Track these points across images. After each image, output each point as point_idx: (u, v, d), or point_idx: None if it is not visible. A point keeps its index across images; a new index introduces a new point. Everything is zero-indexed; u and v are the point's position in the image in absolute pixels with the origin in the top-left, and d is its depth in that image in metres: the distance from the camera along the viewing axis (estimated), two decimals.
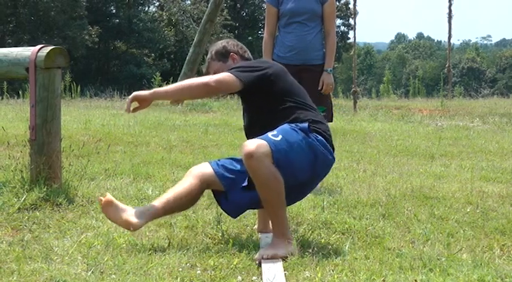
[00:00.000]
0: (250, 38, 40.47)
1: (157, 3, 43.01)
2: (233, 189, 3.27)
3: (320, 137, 3.23)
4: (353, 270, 2.84)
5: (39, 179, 4.05)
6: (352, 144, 7.65)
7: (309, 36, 4.95)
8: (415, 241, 3.40)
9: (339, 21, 42.51)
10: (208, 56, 3.58)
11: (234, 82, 3.25)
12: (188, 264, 2.90)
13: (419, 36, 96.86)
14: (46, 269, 2.74)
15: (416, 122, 11.21)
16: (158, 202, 3.28)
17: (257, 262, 2.95)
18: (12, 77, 4.38)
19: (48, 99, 4.09)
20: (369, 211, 4.07)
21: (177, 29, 39.26)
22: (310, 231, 3.52)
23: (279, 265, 2.89)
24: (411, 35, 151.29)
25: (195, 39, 16.45)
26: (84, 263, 2.87)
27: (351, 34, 34.67)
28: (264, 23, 5.95)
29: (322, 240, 3.38)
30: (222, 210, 3.42)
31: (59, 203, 3.95)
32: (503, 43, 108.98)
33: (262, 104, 3.31)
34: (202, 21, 16.28)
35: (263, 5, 38.92)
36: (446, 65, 16.77)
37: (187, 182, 3.29)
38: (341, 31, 43.56)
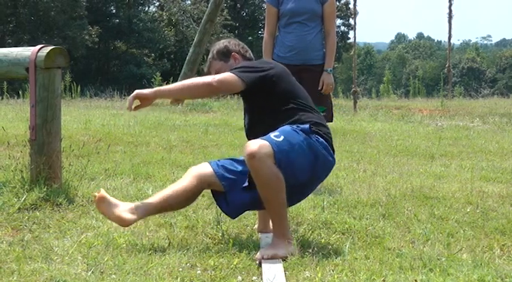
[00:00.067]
0: (250, 38, 40.48)
1: (157, 3, 43.02)
2: (233, 190, 3.27)
3: (321, 139, 3.23)
4: (353, 270, 2.84)
5: (39, 179, 4.05)
6: (352, 144, 7.65)
7: (309, 36, 4.95)
8: (415, 241, 3.40)
9: (339, 21, 42.52)
10: (210, 55, 3.58)
11: (236, 82, 3.26)
12: (188, 264, 2.90)
13: (420, 36, 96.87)
14: (46, 269, 2.75)
15: (416, 122, 11.21)
16: (153, 199, 3.29)
17: (257, 262, 2.95)
18: (12, 77, 4.39)
19: (48, 99, 4.09)
20: (369, 211, 4.07)
21: (177, 29, 39.26)
22: (310, 231, 3.52)
23: (279, 265, 2.89)
24: (411, 35, 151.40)
25: (195, 39, 16.45)
26: (84, 263, 2.87)
27: (351, 34, 34.74)
28: (264, 23, 5.95)
29: (322, 240, 3.38)
30: (221, 211, 3.42)
31: (59, 203, 3.95)
32: (503, 43, 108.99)
33: (264, 104, 3.32)
34: (203, 21, 16.28)
35: (263, 5, 38.93)
36: (446, 65, 16.77)
37: (184, 181, 3.29)
38: (341, 31, 43.57)
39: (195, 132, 8.38)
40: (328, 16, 4.99)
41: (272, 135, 3.13)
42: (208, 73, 3.55)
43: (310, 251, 3.06)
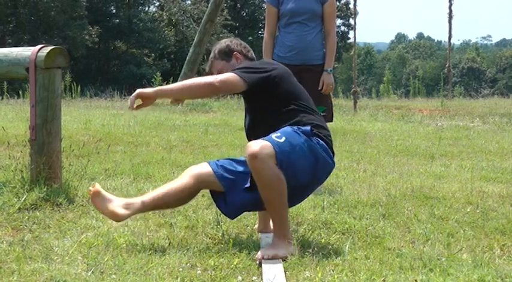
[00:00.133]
0: (250, 38, 40.45)
1: (158, 3, 43.02)
2: (232, 190, 3.27)
3: (322, 142, 3.23)
4: (353, 270, 2.84)
5: (39, 179, 4.05)
6: (352, 144, 7.65)
7: (309, 36, 4.95)
8: (415, 241, 3.40)
9: (339, 21, 42.51)
10: (212, 55, 3.58)
11: (238, 82, 3.25)
12: (188, 264, 2.90)
13: (420, 36, 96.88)
14: (46, 269, 2.75)
15: (416, 122, 11.21)
16: (148, 196, 3.30)
17: (257, 262, 2.95)
18: (12, 77, 4.38)
19: (48, 99, 4.09)
20: (369, 211, 4.07)
21: (177, 29, 39.26)
22: (310, 231, 3.52)
23: (279, 265, 2.89)
24: (411, 35, 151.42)
25: (195, 39, 16.46)
26: (84, 263, 2.87)
27: (351, 34, 34.73)
28: (264, 23, 5.95)
29: (322, 240, 3.38)
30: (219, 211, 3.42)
31: (59, 203, 3.95)
32: (503, 43, 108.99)
33: (266, 105, 3.31)
34: (203, 21, 16.29)
35: (263, 5, 38.93)
36: (447, 65, 16.77)
37: (182, 180, 3.30)
38: (341, 31, 43.56)
39: (195, 132, 8.38)
40: (328, 16, 4.99)
41: (273, 136, 3.13)
42: (210, 73, 3.55)
43: (310, 251, 3.06)
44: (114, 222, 3.58)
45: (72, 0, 34.59)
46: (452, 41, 17.65)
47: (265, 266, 2.87)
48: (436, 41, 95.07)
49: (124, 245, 3.17)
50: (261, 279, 2.76)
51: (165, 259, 2.94)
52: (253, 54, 3.60)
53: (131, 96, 3.25)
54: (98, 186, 3.26)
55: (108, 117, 9.99)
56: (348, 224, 3.69)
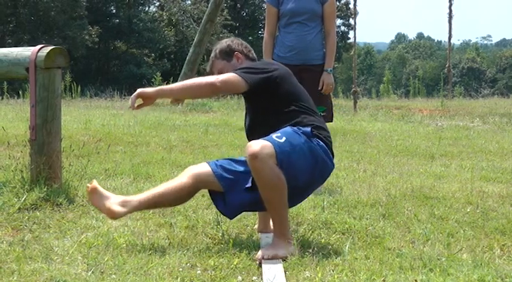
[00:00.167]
0: (250, 38, 40.45)
1: (158, 3, 43.02)
2: (232, 190, 3.26)
3: (322, 143, 3.23)
4: (353, 270, 2.84)
5: (39, 179, 4.05)
6: (352, 144, 7.65)
7: (309, 36, 4.95)
8: (415, 241, 3.40)
9: (339, 21, 42.51)
10: (212, 54, 3.57)
11: (239, 83, 3.25)
12: (188, 264, 2.90)
13: (420, 36, 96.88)
14: (46, 269, 2.75)
15: (416, 122, 11.21)
16: (145, 194, 3.30)
17: (257, 262, 2.95)
18: (12, 77, 4.39)
19: (48, 99, 4.09)
20: (369, 211, 4.07)
21: (177, 29, 39.26)
22: (310, 231, 3.52)
23: (279, 265, 2.89)
24: (411, 35, 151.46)
25: (195, 39, 16.46)
26: (84, 263, 2.87)
27: (351, 34, 34.74)
28: (264, 23, 5.94)
29: (322, 240, 3.38)
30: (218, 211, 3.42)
31: (59, 203, 3.95)
32: (503, 43, 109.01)
33: (267, 105, 3.31)
34: (203, 21, 16.29)
35: (263, 5, 38.93)
36: (447, 65, 16.78)
37: (180, 180, 3.29)
38: (341, 31, 43.56)
39: (195, 132, 8.38)
40: (328, 16, 5.00)
41: (274, 136, 3.13)
42: (211, 72, 3.55)
43: (310, 251, 3.06)
44: (114, 222, 3.58)
45: (72, 0, 34.59)
46: (452, 41, 17.67)
47: (265, 266, 2.87)
48: (436, 41, 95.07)
49: (124, 245, 3.17)
50: (261, 279, 2.76)
51: (165, 259, 2.94)
52: (254, 54, 3.60)
53: (132, 96, 3.25)
54: (95, 183, 3.28)
55: (108, 117, 9.99)
56: (348, 224, 3.69)
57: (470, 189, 4.84)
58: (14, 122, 8.50)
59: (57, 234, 3.37)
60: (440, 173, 5.67)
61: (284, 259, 2.99)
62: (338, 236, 3.48)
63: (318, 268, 2.85)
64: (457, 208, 4.21)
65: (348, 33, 43.82)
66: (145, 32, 37.96)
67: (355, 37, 15.15)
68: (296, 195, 3.25)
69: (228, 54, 3.53)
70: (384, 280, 2.72)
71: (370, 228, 3.63)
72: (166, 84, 11.34)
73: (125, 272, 2.76)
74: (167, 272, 2.78)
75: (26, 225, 3.52)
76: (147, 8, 43.97)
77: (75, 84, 16.25)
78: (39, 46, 4.14)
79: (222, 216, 3.54)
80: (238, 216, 3.56)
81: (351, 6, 20.05)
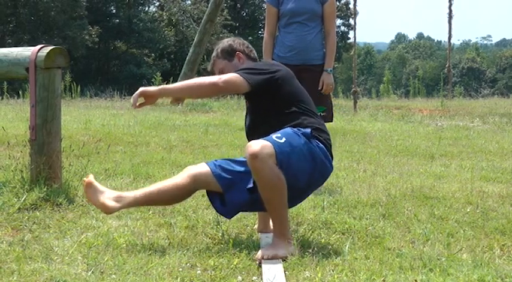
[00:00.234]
0: (250, 38, 40.43)
1: (157, 3, 43.02)
2: (230, 190, 3.26)
3: (321, 145, 3.23)
4: (353, 270, 2.84)
5: (39, 179, 4.05)
6: (352, 144, 7.65)
7: (309, 36, 4.95)
8: (415, 241, 3.40)
9: (339, 21, 42.51)
10: (214, 53, 3.58)
11: (241, 83, 3.26)
12: (188, 264, 2.90)
13: (420, 36, 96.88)
14: (46, 269, 2.75)
15: (416, 122, 11.21)
16: (141, 191, 3.30)
17: (257, 262, 2.95)
18: (12, 77, 4.39)
19: (48, 99, 4.09)
20: (369, 211, 4.07)
21: (177, 29, 39.26)
22: (310, 231, 3.52)
23: (279, 265, 2.89)
24: (411, 35, 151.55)
25: (195, 39, 16.46)
26: (84, 263, 2.87)
27: (351, 34, 34.75)
28: (264, 23, 5.94)
29: (322, 240, 3.38)
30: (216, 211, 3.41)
31: (59, 203, 3.95)
32: (503, 43, 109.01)
33: (268, 106, 3.32)
34: (203, 21, 16.29)
35: (263, 5, 38.93)
36: (447, 65, 16.78)
37: (177, 179, 3.30)
38: (341, 31, 43.56)
39: (195, 132, 8.38)
40: (328, 16, 4.99)
41: (274, 136, 3.14)
42: (212, 71, 3.55)
43: (310, 251, 3.06)
44: (114, 222, 3.58)
45: (72, 0, 34.59)
46: (452, 41, 17.67)
47: (265, 266, 2.87)
48: (436, 41, 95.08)
49: (124, 245, 3.17)
50: (261, 279, 2.76)
51: (165, 259, 2.94)
52: (256, 54, 3.61)
53: (134, 95, 3.25)
54: (91, 177, 3.29)
55: (108, 117, 9.99)
56: (348, 224, 3.69)
57: (470, 189, 4.84)
58: (14, 122, 8.50)
59: (57, 234, 3.37)
60: (440, 173, 5.67)
61: (284, 259, 2.99)
62: (338, 236, 3.48)
63: (318, 268, 2.85)
64: (457, 208, 4.21)
65: (348, 33, 43.83)
66: (145, 32, 37.96)
67: (355, 37, 15.15)
68: (295, 196, 3.24)
69: (229, 53, 3.54)
70: (383, 280, 2.72)
71: (370, 228, 3.63)
72: (166, 84, 11.35)
73: (124, 272, 2.76)
74: (167, 272, 2.78)
75: (25, 225, 3.52)
76: (147, 8, 43.98)
77: (75, 84, 16.26)
78: (39, 46, 4.14)
79: (221, 216, 3.54)
80: (238, 216, 3.57)
81: (351, 6, 20.06)
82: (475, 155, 6.93)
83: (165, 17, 39.92)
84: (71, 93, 15.93)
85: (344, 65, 48.66)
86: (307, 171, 3.17)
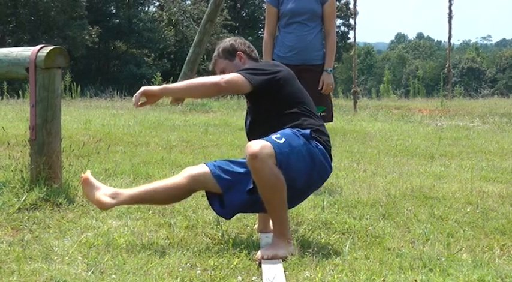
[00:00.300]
0: (250, 38, 40.41)
1: (157, 3, 43.02)
2: (230, 191, 3.25)
3: (320, 146, 3.23)
4: (353, 270, 2.84)
5: (39, 179, 4.05)
6: (352, 144, 7.65)
7: (309, 36, 4.95)
8: (415, 241, 3.40)
9: (339, 21, 42.51)
10: (215, 53, 3.58)
11: (243, 83, 3.26)
12: (188, 264, 2.90)
13: (420, 36, 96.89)
14: (46, 269, 2.75)
15: (416, 122, 11.21)
16: (137, 189, 3.32)
17: (257, 262, 2.95)
18: (12, 77, 4.39)
19: (48, 99, 4.09)
20: (369, 211, 4.07)
21: (177, 29, 39.25)
22: (310, 231, 3.52)
23: (279, 265, 2.89)
24: (411, 35, 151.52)
25: (195, 39, 16.48)
26: (84, 263, 2.87)
27: (351, 34, 34.73)
28: (264, 23, 5.94)
29: (322, 240, 3.38)
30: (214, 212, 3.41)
31: (59, 203, 3.95)
32: (503, 43, 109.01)
33: (269, 106, 3.32)
34: (202, 21, 16.31)
35: (263, 5, 38.93)
36: (446, 65, 16.78)
37: (175, 179, 3.30)
38: (341, 31, 43.56)
39: (195, 132, 8.38)
40: (328, 16, 5.00)
41: (273, 136, 3.14)
42: (213, 71, 3.56)
43: (310, 251, 3.06)
44: (114, 222, 3.58)
45: (72, 0, 34.58)
46: (452, 41, 17.68)
47: (265, 266, 2.87)
48: (436, 41, 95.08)
49: (124, 245, 3.17)
50: (261, 279, 2.76)
51: (164, 259, 2.94)
52: (257, 54, 3.61)
53: (136, 94, 3.26)
54: (88, 173, 3.31)
55: (108, 117, 9.99)
56: (348, 224, 3.69)
57: (470, 189, 4.84)
58: (14, 122, 8.50)
59: (57, 234, 3.37)
60: (440, 173, 5.67)
61: (284, 259, 2.99)
62: (338, 236, 3.48)
63: (317, 268, 2.85)
64: (457, 208, 4.21)
65: (348, 33, 43.83)
66: (145, 32, 37.96)
67: (355, 37, 15.16)
68: (294, 197, 3.24)
69: (230, 53, 3.54)
70: (383, 280, 2.72)
71: (370, 228, 3.63)
72: (167, 84, 11.34)
73: (124, 272, 2.76)
74: (167, 272, 2.78)
75: (25, 225, 3.52)
76: (147, 8, 43.98)
77: (75, 84, 16.26)
78: (39, 46, 4.14)
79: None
80: (238, 216, 3.57)
81: (351, 6, 20.05)
82: (475, 155, 6.93)
83: (165, 17, 39.92)
84: (71, 93, 15.93)
85: (344, 65, 48.65)
86: (306, 171, 3.17)
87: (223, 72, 3.46)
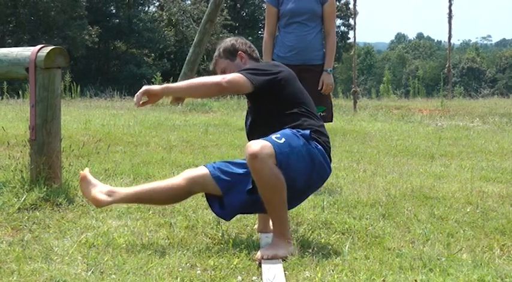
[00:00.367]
0: (250, 38, 40.39)
1: (157, 3, 43.01)
2: (230, 192, 3.25)
3: (320, 147, 3.23)
4: (353, 270, 2.84)
5: (39, 179, 4.05)
6: (352, 144, 7.65)
7: (309, 36, 4.95)
8: (415, 241, 3.40)
9: (339, 21, 42.52)
10: (216, 53, 3.58)
11: (245, 83, 3.26)
12: (188, 264, 2.90)
13: (419, 36, 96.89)
14: (46, 269, 2.75)
15: (416, 122, 11.21)
16: (134, 189, 3.32)
17: (257, 262, 2.95)
18: (12, 77, 4.39)
19: (48, 99, 4.09)
20: (369, 211, 4.07)
21: (177, 29, 39.25)
22: (310, 231, 3.52)
23: (279, 265, 2.89)
24: (411, 35, 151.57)
25: (195, 39, 16.48)
26: (84, 263, 2.87)
27: (351, 34, 34.72)
28: (264, 23, 5.94)
29: (322, 240, 3.38)
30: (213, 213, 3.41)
31: (59, 203, 3.95)
32: (503, 43, 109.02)
33: (269, 107, 3.32)
34: (202, 21, 16.30)
35: (263, 5, 38.92)
36: (446, 65, 16.78)
37: (173, 180, 3.30)
38: (341, 31, 43.56)
39: (195, 132, 8.38)
40: (328, 16, 5.00)
41: (273, 136, 3.14)
42: (214, 71, 3.56)
43: (310, 251, 3.06)
44: (114, 222, 3.58)
45: (72, 0, 34.58)
46: (452, 41, 17.68)
47: (264, 266, 2.87)
48: (436, 41, 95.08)
49: (124, 245, 3.17)
50: (261, 279, 2.76)
51: (164, 259, 2.94)
52: (258, 54, 3.61)
53: (138, 93, 3.25)
54: (86, 171, 3.33)
55: (108, 117, 9.99)
56: (348, 224, 3.69)
57: (470, 189, 4.84)
58: (14, 122, 8.50)
59: (57, 234, 3.37)
60: (440, 173, 5.67)
61: (284, 259, 2.99)
62: (338, 236, 3.48)
63: (317, 268, 2.85)
64: (457, 208, 4.21)
65: (347, 33, 43.83)
66: (145, 32, 37.96)
67: (355, 37, 15.16)
68: (294, 198, 3.24)
69: (231, 53, 3.54)
70: (383, 280, 2.72)
71: (370, 228, 3.63)
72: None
73: (124, 272, 2.76)
74: (167, 272, 2.78)
75: (25, 225, 3.52)
76: (147, 8, 43.98)
77: (75, 84, 16.26)
78: (39, 46, 4.14)
79: None
80: (238, 217, 3.57)
81: (351, 6, 20.04)
82: (475, 155, 6.93)
83: (165, 17, 39.92)
84: (71, 93, 15.94)
85: (344, 65, 48.66)
86: (306, 172, 3.17)
87: (224, 72, 3.46)
